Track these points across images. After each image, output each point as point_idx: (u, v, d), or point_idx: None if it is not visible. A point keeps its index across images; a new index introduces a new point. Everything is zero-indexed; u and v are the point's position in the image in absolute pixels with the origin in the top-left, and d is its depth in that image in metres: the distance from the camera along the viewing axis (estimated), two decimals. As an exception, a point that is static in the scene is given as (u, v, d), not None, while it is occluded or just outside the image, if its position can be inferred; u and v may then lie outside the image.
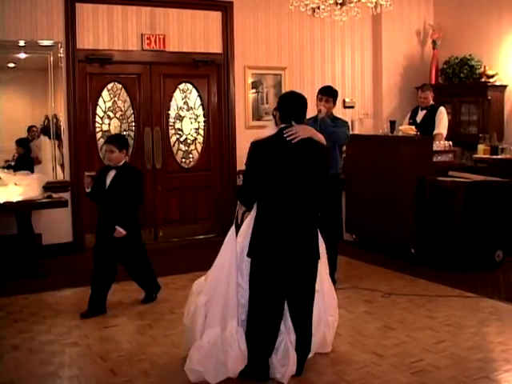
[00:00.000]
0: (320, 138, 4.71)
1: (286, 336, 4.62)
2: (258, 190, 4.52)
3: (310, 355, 4.80)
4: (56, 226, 8.38)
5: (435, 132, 8.37)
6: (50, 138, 8.68)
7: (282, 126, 4.58)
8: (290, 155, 4.47)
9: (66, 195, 8.32)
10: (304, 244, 4.54)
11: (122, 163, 6.20)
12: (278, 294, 4.53)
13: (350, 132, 7.06)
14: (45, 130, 8.77)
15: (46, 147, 8.72)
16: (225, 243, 4.70)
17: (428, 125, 8.46)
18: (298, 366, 4.58)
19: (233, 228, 4.72)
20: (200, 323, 4.57)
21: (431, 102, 8.71)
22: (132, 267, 6.47)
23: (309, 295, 4.66)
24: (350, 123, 9.23)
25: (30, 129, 8.72)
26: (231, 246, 4.65)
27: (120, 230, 6.09)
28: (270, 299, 4.52)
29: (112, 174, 6.17)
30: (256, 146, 4.53)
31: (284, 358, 4.55)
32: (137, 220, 6.42)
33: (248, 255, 4.56)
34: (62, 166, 8.66)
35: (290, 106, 4.61)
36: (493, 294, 6.59)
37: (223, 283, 4.57)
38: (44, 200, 7.55)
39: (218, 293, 4.56)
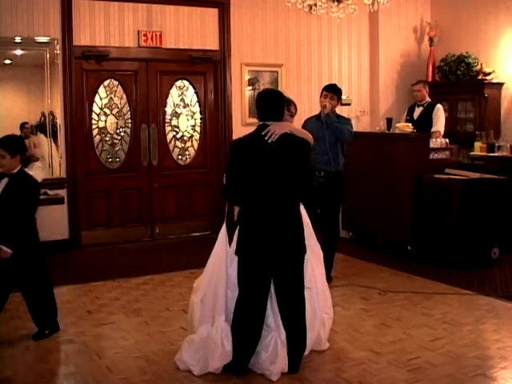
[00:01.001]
0: (300, 132, 4.73)
1: (276, 333, 4.65)
2: (240, 187, 4.58)
3: (306, 353, 4.79)
4: (52, 223, 8.35)
5: (433, 129, 8.37)
6: (46, 135, 8.65)
7: (260, 123, 4.63)
8: (269, 152, 4.50)
9: (63, 192, 8.32)
10: (287, 240, 4.55)
11: (16, 170, 5.30)
12: (260, 290, 4.57)
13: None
14: (41, 127, 8.74)
15: (43, 144, 8.68)
16: (217, 241, 4.85)
17: (424, 122, 8.46)
18: (292, 363, 4.59)
19: (224, 226, 4.85)
20: (196, 319, 4.75)
21: (427, 99, 8.71)
22: (29, 295, 5.43)
23: (297, 291, 4.65)
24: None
25: (22, 126, 8.65)
26: (222, 244, 4.80)
27: (5, 250, 5.15)
28: (252, 296, 4.58)
29: (4, 182, 5.31)
30: (235, 145, 4.65)
31: (273, 355, 4.57)
32: (34, 238, 5.48)
33: (236, 253, 4.66)
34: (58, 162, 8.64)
35: (267, 104, 4.64)
36: (489, 291, 6.60)
37: (214, 281, 4.72)
38: (41, 197, 7.52)
39: (209, 290, 4.73)
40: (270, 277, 4.58)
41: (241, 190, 4.58)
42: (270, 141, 4.46)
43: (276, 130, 4.50)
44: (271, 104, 4.63)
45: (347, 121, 7.00)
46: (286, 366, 4.56)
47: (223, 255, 4.74)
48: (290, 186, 4.53)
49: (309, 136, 4.81)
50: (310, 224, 4.98)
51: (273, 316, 4.68)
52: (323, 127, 6.75)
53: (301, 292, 4.66)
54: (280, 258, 4.55)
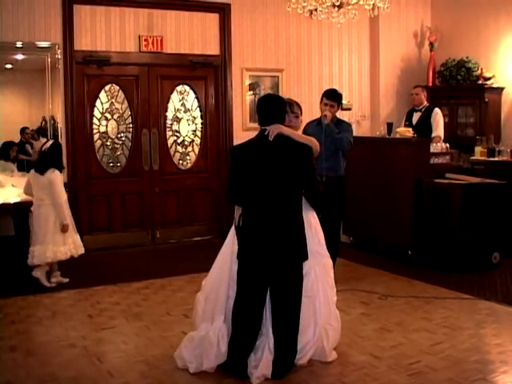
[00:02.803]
0: (302, 137, 4.74)
1: (266, 339, 4.68)
2: (243, 191, 4.63)
3: (302, 362, 4.76)
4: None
5: (433, 135, 8.39)
6: (47, 139, 8.65)
7: (262, 129, 4.66)
8: (269, 156, 4.55)
9: (64, 197, 8.32)
10: (285, 245, 4.56)
11: None
12: (256, 294, 4.61)
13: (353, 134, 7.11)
14: (43, 132, 8.75)
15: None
16: (225, 243, 4.90)
17: (423, 126, 8.48)
18: (277, 369, 4.56)
19: (232, 228, 4.85)
20: (199, 316, 4.86)
21: (425, 103, 8.73)
22: None
23: (291, 299, 4.62)
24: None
25: (23, 130, 8.66)
26: (229, 244, 4.85)
27: None
28: (248, 299, 4.62)
29: None
30: (235, 150, 4.76)
31: (259, 359, 4.61)
32: None
33: (237, 257, 4.70)
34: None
35: (267, 109, 4.68)
36: (490, 295, 6.60)
37: (217, 281, 4.82)
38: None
39: (212, 290, 4.83)
40: (267, 282, 4.62)
41: (243, 193, 4.64)
42: (270, 138, 4.51)
43: (274, 129, 4.55)
44: (270, 109, 4.66)
45: (348, 126, 6.99)
46: (269, 372, 4.56)
47: (228, 256, 4.80)
48: (288, 190, 4.55)
49: (313, 142, 4.82)
50: (321, 232, 4.99)
51: (265, 322, 4.71)
52: (324, 134, 6.75)
53: (295, 301, 4.64)
54: (277, 263, 4.57)
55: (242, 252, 4.65)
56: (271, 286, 4.63)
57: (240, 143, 4.77)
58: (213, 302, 4.80)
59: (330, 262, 5.04)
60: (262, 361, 4.57)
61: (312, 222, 4.90)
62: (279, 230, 4.53)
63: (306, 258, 4.67)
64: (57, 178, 6.98)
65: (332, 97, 6.93)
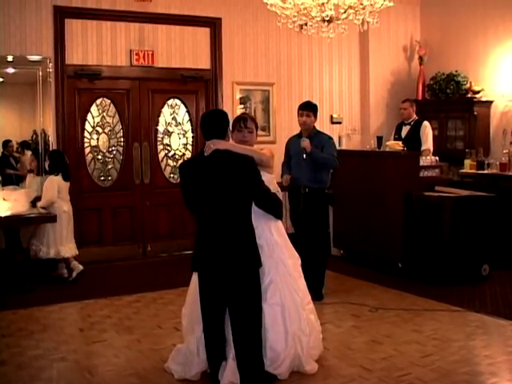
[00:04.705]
0: (242, 149, 4.73)
1: (230, 347, 4.70)
2: (193, 204, 4.69)
3: (279, 372, 4.73)
4: (44, 240, 8.35)
5: (423, 148, 8.43)
6: (38, 153, 8.64)
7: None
8: (206, 171, 4.56)
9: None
10: (235, 256, 4.53)
11: None
12: (215, 304, 4.63)
13: (337, 147, 7.11)
14: (27, 145, 8.74)
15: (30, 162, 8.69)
16: None
17: (413, 139, 8.52)
18: (243, 378, 4.54)
19: None
20: (184, 330, 5.07)
21: (414, 117, 8.78)
22: None
23: (249, 308, 4.58)
24: (337, 139, 9.26)
25: (6, 144, 8.66)
26: None
27: None
28: (208, 309, 4.67)
29: None
30: (180, 167, 4.85)
31: (226, 367, 4.63)
32: None
33: (191, 269, 4.81)
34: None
35: (208, 124, 4.70)
36: (479, 307, 6.62)
37: (194, 293, 4.92)
38: (32, 215, 7.55)
39: (191, 302, 4.98)
40: (222, 292, 4.58)
41: (193, 207, 4.71)
42: (206, 154, 4.53)
43: (211, 145, 4.55)
44: (211, 124, 4.68)
45: (329, 140, 7.00)
46: (237, 379, 4.55)
47: None
48: (230, 202, 4.52)
49: (258, 153, 4.84)
50: (285, 238, 5.05)
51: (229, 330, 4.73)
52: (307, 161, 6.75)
53: (254, 309, 4.60)
54: (229, 273, 4.53)
55: (194, 263, 4.69)
56: (228, 296, 4.58)
57: (187, 159, 4.83)
58: (192, 314, 4.90)
59: (297, 268, 5.07)
60: (226, 368, 4.61)
61: (272, 229, 4.93)
62: (226, 241, 4.51)
63: (259, 264, 4.62)
64: None
65: (306, 106, 6.98)
